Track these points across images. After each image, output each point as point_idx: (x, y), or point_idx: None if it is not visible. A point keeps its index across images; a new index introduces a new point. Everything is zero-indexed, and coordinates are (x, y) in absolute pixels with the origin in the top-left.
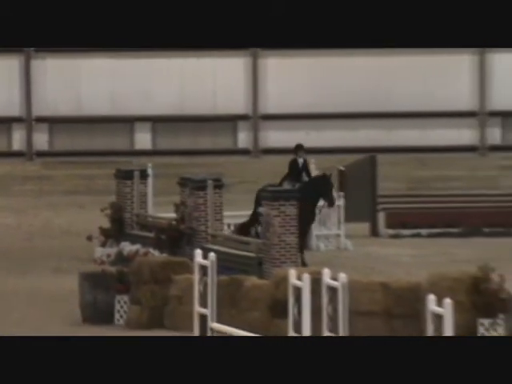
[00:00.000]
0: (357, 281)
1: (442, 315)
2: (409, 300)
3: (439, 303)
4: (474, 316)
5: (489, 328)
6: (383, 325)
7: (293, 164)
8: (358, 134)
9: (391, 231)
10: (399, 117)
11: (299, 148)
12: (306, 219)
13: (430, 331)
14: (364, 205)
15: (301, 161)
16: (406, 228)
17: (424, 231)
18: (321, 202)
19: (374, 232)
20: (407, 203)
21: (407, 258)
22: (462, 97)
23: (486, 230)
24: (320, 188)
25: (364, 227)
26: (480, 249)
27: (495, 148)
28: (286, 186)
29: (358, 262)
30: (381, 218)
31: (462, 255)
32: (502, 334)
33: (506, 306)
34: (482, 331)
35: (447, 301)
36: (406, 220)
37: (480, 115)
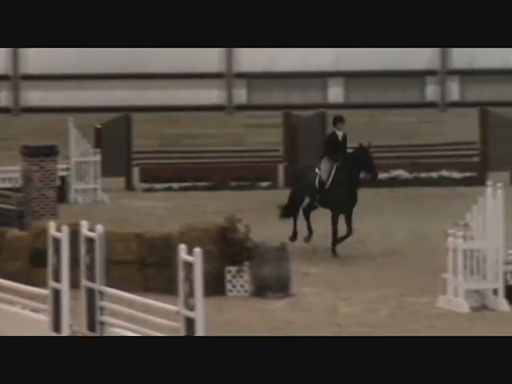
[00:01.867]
0: (113, 232)
1: (192, 263)
2: (161, 249)
3: (189, 252)
4: (222, 264)
5: (235, 275)
6: (137, 273)
7: (331, 138)
8: (115, 94)
9: (145, 185)
10: (153, 78)
11: (338, 120)
12: (349, 200)
13: (181, 278)
14: (119, 160)
15: (340, 134)
16: (159, 182)
17: (175, 185)
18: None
19: (129, 186)
20: (160, 159)
21: (160, 210)
22: (211, 59)
23: (233, 183)
24: (360, 161)
25: (119, 181)
26: (227, 201)
27: (241, 107)
28: (325, 162)
29: (114, 214)
30: (135, 172)
31: (210, 207)
32: (248, 280)
33: (251, 254)
34: (229, 278)
35: (197, 250)
36: (159, 174)
37: (227, 77)
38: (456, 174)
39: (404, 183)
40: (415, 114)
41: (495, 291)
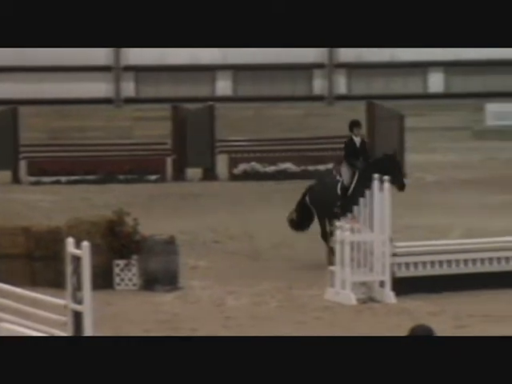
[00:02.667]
0: (0, 226)
1: (80, 257)
2: (49, 243)
3: (77, 246)
4: (110, 257)
5: (124, 268)
6: (24, 266)
7: (349, 144)
8: (4, 87)
9: (32, 178)
10: (41, 71)
11: (354, 125)
12: None
13: (68, 272)
14: (6, 154)
15: (358, 140)
16: (47, 175)
17: (63, 178)
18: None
19: (16, 179)
20: (48, 152)
21: (48, 204)
22: (99, 53)
23: (121, 176)
24: (386, 170)
25: (6, 175)
26: (115, 194)
27: (129, 100)
28: (346, 169)
29: (2, 208)
30: (22, 166)
31: (99, 200)
32: (136, 274)
33: (139, 247)
34: (117, 271)
35: (85, 243)
36: (47, 168)
37: (115, 70)
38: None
39: (292, 176)
40: (303, 107)
41: (382, 283)
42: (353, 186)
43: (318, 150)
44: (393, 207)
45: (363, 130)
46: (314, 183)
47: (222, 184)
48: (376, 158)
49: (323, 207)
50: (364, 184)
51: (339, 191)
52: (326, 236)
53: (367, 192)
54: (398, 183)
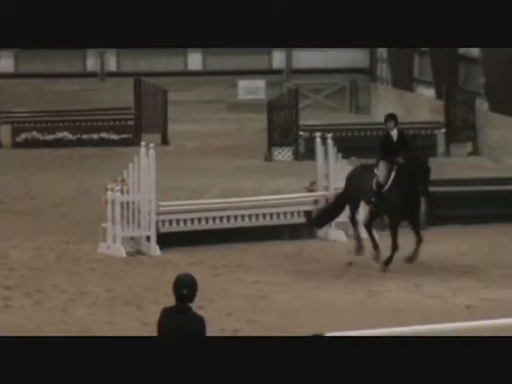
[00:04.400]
0: None
1: None
2: None
3: None
4: None
5: None
6: None
7: (385, 139)
8: None
9: None
10: None
11: (388, 118)
12: (408, 206)
13: None
14: None
15: (394, 133)
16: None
17: None
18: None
19: None
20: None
21: None
22: None
23: None
24: (417, 175)
25: None
26: None
27: None
28: (382, 165)
29: None
30: None
31: None
32: None
33: None
34: None
35: None
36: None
37: None
38: (114, 136)
39: (68, 144)
40: (78, 83)
41: (148, 238)
42: (388, 186)
43: (91, 120)
44: (158, 170)
45: (131, 104)
46: (355, 170)
47: (5, 151)
48: (413, 158)
49: (356, 196)
50: (401, 181)
51: (374, 187)
52: (354, 223)
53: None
54: (424, 192)
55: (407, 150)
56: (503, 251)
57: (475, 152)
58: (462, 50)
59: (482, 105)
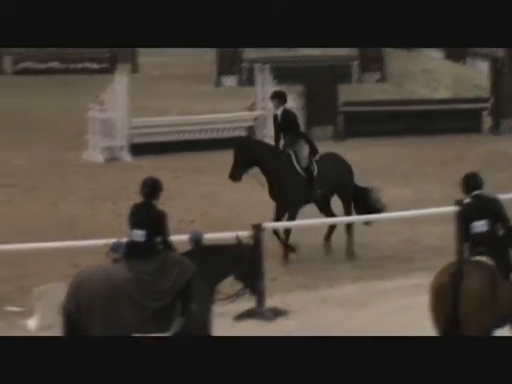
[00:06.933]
0: None
1: None
2: None
3: None
4: None
5: None
6: None
7: (274, 120)
8: None
9: None
10: None
11: (273, 96)
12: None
13: None
14: None
15: (279, 113)
16: None
17: None
18: None
19: None
20: None
21: None
22: None
23: None
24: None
25: None
26: None
27: None
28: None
29: None
30: None
31: None
32: None
33: None
34: None
35: None
36: None
37: None
38: (95, 65)
39: (58, 71)
40: None
41: (122, 148)
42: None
43: (75, 54)
44: (130, 93)
45: None
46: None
47: (7, 77)
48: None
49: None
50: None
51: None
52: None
53: None
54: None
55: (296, 131)
56: (402, 158)
57: (383, 79)
58: None
59: None
